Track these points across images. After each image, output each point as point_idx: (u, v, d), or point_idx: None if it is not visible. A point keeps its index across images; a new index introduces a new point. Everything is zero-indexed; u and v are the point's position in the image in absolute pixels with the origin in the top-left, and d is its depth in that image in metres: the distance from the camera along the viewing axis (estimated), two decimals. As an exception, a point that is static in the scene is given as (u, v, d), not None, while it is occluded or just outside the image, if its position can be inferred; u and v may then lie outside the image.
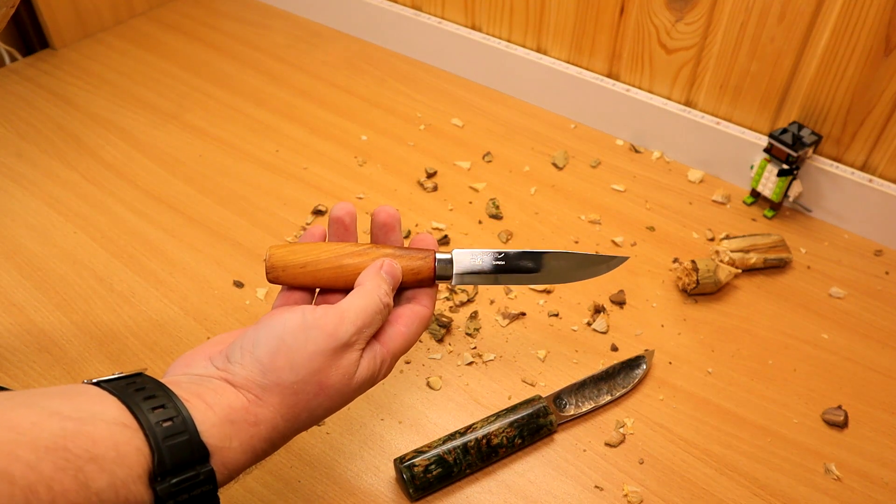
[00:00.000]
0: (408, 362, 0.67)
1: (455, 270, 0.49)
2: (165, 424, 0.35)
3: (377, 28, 1.10)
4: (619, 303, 0.73)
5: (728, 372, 0.67)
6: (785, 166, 0.79)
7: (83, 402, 0.34)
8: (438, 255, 0.49)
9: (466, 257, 0.50)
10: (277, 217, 0.81)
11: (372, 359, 0.44)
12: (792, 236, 0.81)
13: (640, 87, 0.92)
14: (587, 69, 0.95)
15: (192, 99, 0.99)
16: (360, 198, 0.84)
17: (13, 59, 1.06)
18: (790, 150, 0.78)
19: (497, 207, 0.83)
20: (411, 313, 0.47)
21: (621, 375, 0.66)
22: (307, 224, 0.80)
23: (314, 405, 0.42)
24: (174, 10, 1.18)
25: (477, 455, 0.58)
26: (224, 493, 0.57)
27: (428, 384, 0.65)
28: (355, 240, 0.51)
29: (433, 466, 0.56)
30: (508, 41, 1.00)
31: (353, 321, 0.42)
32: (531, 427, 0.60)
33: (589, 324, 0.71)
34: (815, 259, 0.79)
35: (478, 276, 0.50)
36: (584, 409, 0.63)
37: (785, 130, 0.79)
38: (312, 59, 1.08)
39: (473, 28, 1.02)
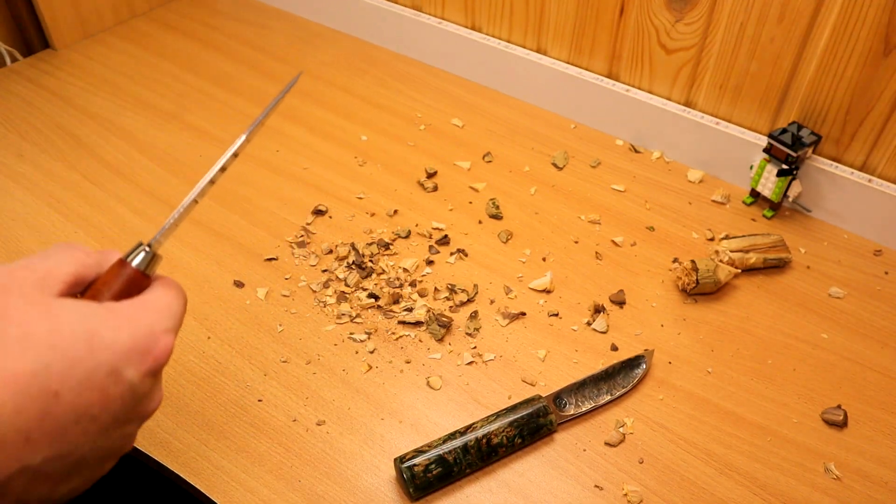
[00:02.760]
0: (408, 362, 0.67)
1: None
2: None
3: (377, 28, 1.10)
4: (619, 303, 0.73)
5: (728, 372, 0.67)
6: (784, 166, 0.79)
7: None
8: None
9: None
10: (277, 217, 0.81)
11: None
12: (791, 236, 0.81)
13: (639, 88, 0.92)
14: (587, 69, 0.95)
15: (193, 99, 0.99)
16: (360, 198, 0.85)
17: (14, 59, 1.06)
18: (790, 150, 0.78)
19: (497, 207, 0.83)
20: None
21: (621, 375, 0.66)
22: (307, 224, 0.80)
23: None
24: (174, 10, 1.18)
25: (477, 455, 0.58)
26: (223, 493, 0.57)
27: (428, 384, 0.66)
28: None
29: (433, 466, 0.57)
30: (508, 41, 1.00)
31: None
32: (531, 427, 0.60)
33: (589, 323, 0.71)
34: (815, 259, 0.79)
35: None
36: (583, 409, 0.63)
37: (784, 130, 0.79)
38: (312, 59, 1.08)
39: (473, 28, 1.03)
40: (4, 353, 0.29)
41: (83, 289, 0.37)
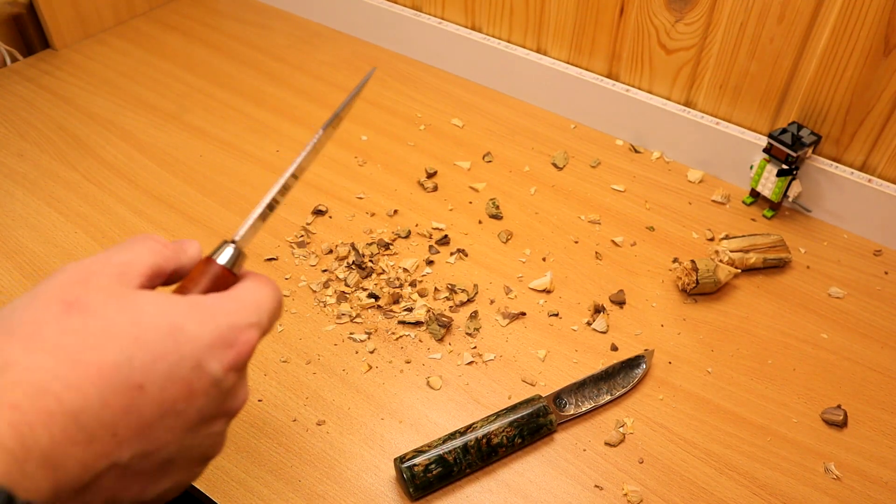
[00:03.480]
0: (408, 362, 0.67)
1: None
2: None
3: (377, 28, 1.10)
4: (619, 303, 0.73)
5: (728, 371, 0.68)
6: (784, 166, 0.79)
7: None
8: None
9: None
10: (278, 217, 0.81)
11: None
12: (791, 236, 0.81)
13: (639, 88, 0.92)
14: (587, 69, 0.95)
15: (193, 99, 0.99)
16: (361, 197, 0.85)
17: (14, 59, 1.06)
18: (789, 150, 0.78)
19: (497, 207, 0.83)
20: None
21: (621, 375, 0.66)
22: (307, 224, 0.80)
23: None
24: (174, 10, 1.18)
25: (477, 454, 0.58)
26: (224, 493, 0.57)
27: (428, 384, 0.66)
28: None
29: (433, 466, 0.57)
30: (508, 41, 1.00)
31: None
32: (531, 426, 0.60)
33: (589, 323, 0.71)
34: (815, 259, 0.79)
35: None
36: (583, 409, 0.63)
37: (784, 130, 0.79)
38: (312, 59, 1.08)
39: (473, 28, 1.03)
40: (88, 345, 0.29)
41: (162, 281, 0.37)
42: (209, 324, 0.32)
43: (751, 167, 0.84)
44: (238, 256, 0.39)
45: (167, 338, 0.31)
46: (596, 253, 0.79)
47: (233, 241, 0.39)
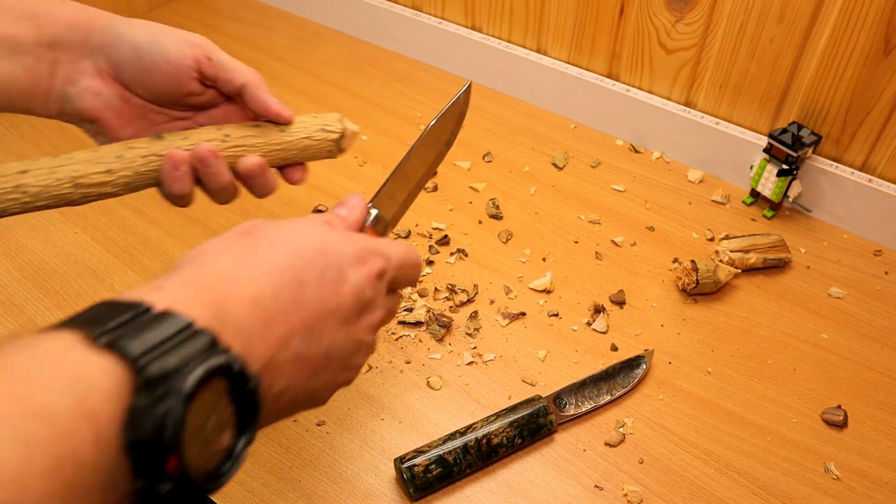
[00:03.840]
0: (408, 362, 0.67)
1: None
2: None
3: (377, 28, 1.10)
4: (619, 303, 0.73)
5: (728, 372, 0.67)
6: (784, 166, 0.79)
7: None
8: None
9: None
10: (278, 217, 0.81)
11: None
12: (791, 236, 0.81)
13: (639, 88, 0.92)
14: (587, 69, 0.95)
15: (193, 99, 0.99)
16: (361, 198, 0.85)
17: (13, 59, 1.06)
18: (790, 150, 0.78)
19: (497, 207, 0.83)
20: None
21: (621, 375, 0.66)
22: (307, 224, 0.80)
23: None
24: (174, 10, 1.18)
25: (477, 455, 0.58)
26: (224, 494, 0.57)
27: (428, 384, 0.66)
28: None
29: (433, 466, 0.57)
30: (508, 41, 1.00)
31: None
32: (531, 427, 0.60)
33: (589, 324, 0.71)
34: (815, 259, 0.79)
35: None
36: (583, 409, 0.63)
37: (784, 130, 0.79)
38: (312, 59, 1.08)
39: (473, 28, 1.03)
40: (260, 254, 0.35)
41: None
42: (349, 244, 0.39)
43: (751, 167, 0.84)
44: (379, 220, 0.48)
45: (318, 250, 0.37)
46: (596, 253, 0.79)
47: (371, 203, 0.48)
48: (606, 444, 0.61)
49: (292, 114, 0.50)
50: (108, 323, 0.27)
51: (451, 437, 0.59)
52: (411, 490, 0.56)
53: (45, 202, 0.45)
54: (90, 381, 0.25)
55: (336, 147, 0.52)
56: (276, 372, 0.34)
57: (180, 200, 0.49)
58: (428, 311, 0.71)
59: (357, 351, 0.40)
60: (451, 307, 0.72)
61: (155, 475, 0.26)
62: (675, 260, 0.78)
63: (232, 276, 0.34)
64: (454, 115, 0.53)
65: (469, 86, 0.54)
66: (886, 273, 0.78)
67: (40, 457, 0.23)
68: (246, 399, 0.30)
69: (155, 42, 0.46)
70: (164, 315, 0.28)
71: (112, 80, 0.47)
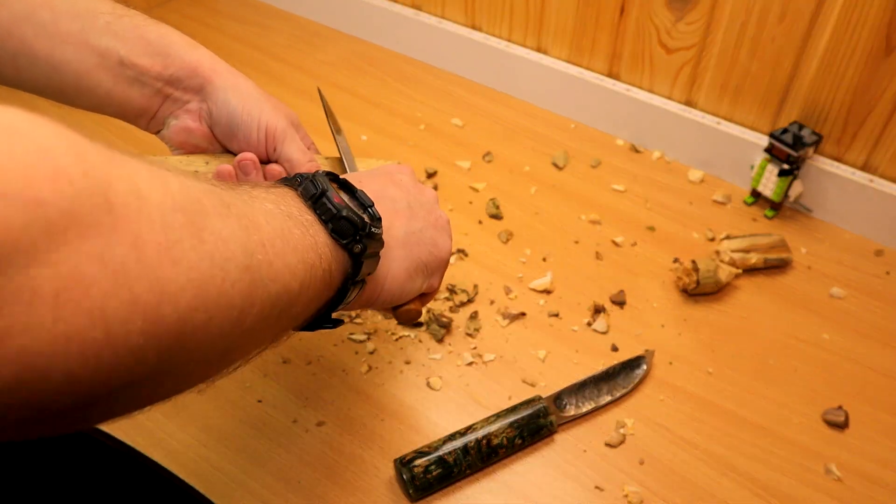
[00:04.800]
0: (408, 362, 0.67)
1: None
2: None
3: (377, 28, 1.10)
4: (620, 303, 0.73)
5: (728, 372, 0.67)
6: (785, 166, 0.79)
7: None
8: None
9: None
10: (277, 217, 0.81)
11: None
12: (792, 236, 0.81)
13: (640, 87, 0.92)
14: (587, 69, 0.95)
15: (192, 99, 0.99)
16: (360, 198, 0.84)
17: (13, 59, 1.06)
18: (791, 150, 0.78)
19: (497, 207, 0.83)
20: None
21: (622, 376, 0.66)
22: (307, 224, 0.80)
23: None
24: (174, 10, 1.18)
25: (477, 455, 0.58)
26: (224, 494, 0.57)
27: (428, 384, 0.65)
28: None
29: (433, 467, 0.56)
30: (508, 41, 1.00)
31: None
32: (531, 427, 0.60)
33: (589, 324, 0.71)
34: (816, 259, 0.79)
35: None
36: (584, 410, 0.63)
37: (785, 130, 0.79)
38: (312, 59, 1.08)
39: (473, 28, 1.02)
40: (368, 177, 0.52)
41: None
42: (378, 167, 0.57)
43: (752, 167, 0.84)
44: None
45: (378, 169, 0.55)
46: (596, 253, 0.79)
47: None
48: (607, 444, 0.61)
49: None
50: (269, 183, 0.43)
51: (451, 437, 0.58)
52: (411, 491, 0.56)
53: None
54: (280, 188, 0.42)
55: None
56: (380, 210, 0.46)
57: None
58: (428, 311, 0.71)
59: (433, 208, 0.53)
60: (451, 307, 0.72)
61: (333, 209, 0.41)
62: (676, 260, 0.78)
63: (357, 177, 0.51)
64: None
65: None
66: (888, 273, 0.78)
67: (299, 234, 0.39)
68: (362, 198, 0.45)
69: (245, 123, 0.54)
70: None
71: (206, 127, 0.56)
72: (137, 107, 0.54)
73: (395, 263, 0.49)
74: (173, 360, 0.29)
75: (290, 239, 0.38)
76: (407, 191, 0.52)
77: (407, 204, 0.51)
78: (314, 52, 1.10)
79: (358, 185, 0.47)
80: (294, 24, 1.16)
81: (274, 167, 0.56)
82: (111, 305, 0.26)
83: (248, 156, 0.54)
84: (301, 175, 0.43)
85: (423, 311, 0.71)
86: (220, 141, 0.56)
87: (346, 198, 0.44)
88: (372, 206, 0.45)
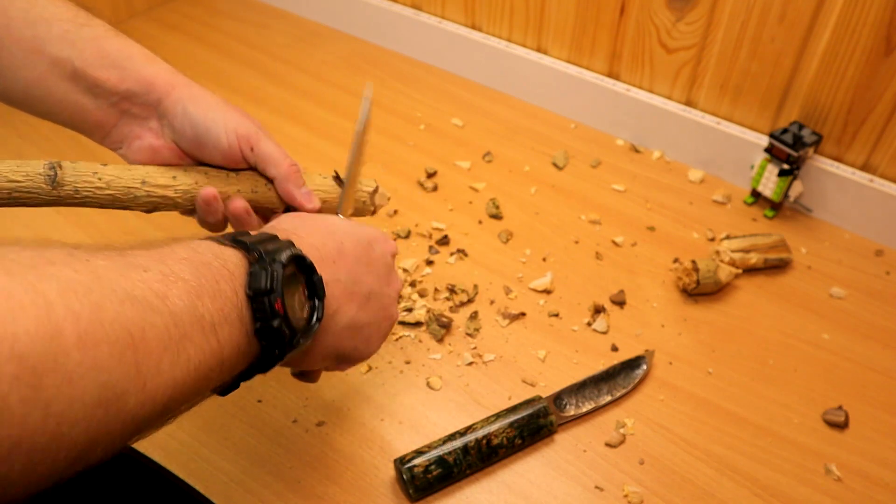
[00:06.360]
0: (408, 362, 0.67)
1: None
2: None
3: (377, 28, 1.10)
4: (620, 303, 0.73)
5: (729, 372, 0.67)
6: (785, 166, 0.79)
7: None
8: None
9: None
10: (277, 217, 0.81)
11: None
12: (792, 236, 0.81)
13: (640, 87, 0.92)
14: (587, 69, 0.95)
15: (192, 99, 0.99)
16: (360, 198, 0.84)
17: (13, 58, 1.06)
18: (791, 150, 0.78)
19: (497, 207, 0.83)
20: None
21: (622, 376, 0.66)
22: (307, 224, 0.80)
23: None
24: (174, 9, 1.18)
25: (477, 455, 0.58)
26: (224, 494, 0.57)
27: (428, 384, 0.65)
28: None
29: (433, 467, 0.56)
30: (508, 41, 1.00)
31: None
32: (531, 427, 0.60)
33: (589, 324, 0.71)
34: (816, 259, 0.79)
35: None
36: (584, 410, 0.63)
37: (785, 130, 0.79)
38: (312, 59, 1.08)
39: (473, 28, 1.02)
40: (312, 221, 0.49)
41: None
42: (364, 230, 0.52)
43: (752, 167, 0.84)
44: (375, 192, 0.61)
45: (348, 229, 0.50)
46: (596, 253, 0.79)
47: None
48: (607, 444, 0.61)
49: (318, 204, 0.56)
50: (226, 237, 0.42)
51: (451, 437, 0.58)
52: (411, 491, 0.56)
53: (115, 191, 0.51)
54: (226, 255, 0.40)
55: (370, 202, 0.61)
56: (330, 291, 0.45)
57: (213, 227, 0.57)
58: (428, 311, 0.71)
59: (390, 304, 0.51)
60: (451, 307, 0.72)
61: (268, 314, 0.39)
62: (676, 260, 0.78)
63: (293, 230, 0.47)
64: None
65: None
66: (887, 273, 0.78)
67: (208, 284, 0.37)
68: (315, 288, 0.43)
69: (210, 129, 0.52)
70: (261, 233, 0.43)
71: (170, 142, 0.54)
72: (92, 119, 0.53)
73: (316, 348, 0.47)
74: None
75: (184, 351, 0.34)
76: (377, 277, 0.50)
77: (367, 294, 0.49)
78: (314, 52, 1.10)
79: (335, 256, 0.47)
80: (294, 23, 1.16)
81: (237, 202, 0.54)
82: None
83: (210, 192, 0.52)
84: (262, 253, 0.40)
85: (423, 312, 0.71)
86: (191, 155, 0.54)
87: (294, 297, 0.41)
88: (318, 311, 0.43)
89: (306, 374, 0.53)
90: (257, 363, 0.41)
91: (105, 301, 0.31)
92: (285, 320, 0.39)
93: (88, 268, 0.32)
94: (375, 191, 0.61)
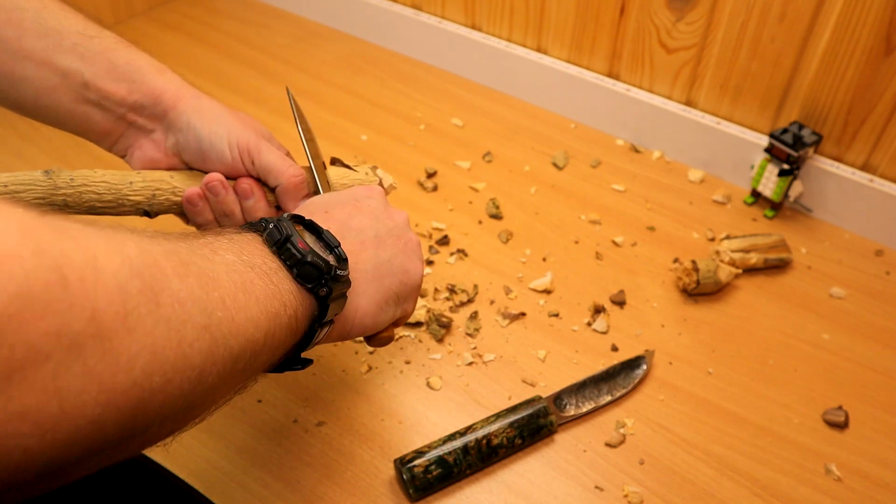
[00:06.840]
0: (408, 362, 0.67)
1: None
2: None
3: (377, 28, 1.10)
4: (620, 303, 0.73)
5: (728, 372, 0.67)
6: (785, 166, 0.79)
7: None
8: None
9: None
10: (277, 217, 0.81)
11: None
12: (792, 236, 0.81)
13: (640, 87, 0.92)
14: (587, 69, 0.95)
15: (192, 99, 0.99)
16: (360, 198, 0.84)
17: (13, 58, 1.06)
18: (791, 150, 0.78)
19: (497, 207, 0.83)
20: None
21: (622, 376, 0.66)
22: (307, 224, 0.80)
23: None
24: (174, 9, 1.18)
25: (477, 455, 0.58)
26: (224, 494, 0.57)
27: (428, 384, 0.65)
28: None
29: (433, 467, 0.56)
30: (508, 41, 1.00)
31: None
32: (531, 427, 0.60)
33: (589, 324, 0.71)
34: (816, 259, 0.79)
35: None
36: (584, 410, 0.63)
37: (785, 130, 0.79)
38: (312, 59, 1.08)
39: (473, 28, 1.02)
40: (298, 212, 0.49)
41: None
42: (346, 191, 0.55)
43: (752, 167, 0.84)
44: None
45: (335, 196, 0.54)
46: (596, 253, 0.79)
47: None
48: (607, 444, 0.61)
49: None
50: (237, 226, 0.45)
51: (451, 437, 0.58)
52: (411, 491, 0.56)
53: (110, 180, 0.52)
54: (243, 232, 0.43)
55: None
56: (347, 244, 0.47)
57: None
58: (428, 311, 0.71)
59: (404, 232, 0.53)
60: (451, 307, 0.72)
61: (297, 255, 0.42)
62: (676, 260, 0.78)
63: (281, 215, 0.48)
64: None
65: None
66: (887, 273, 0.78)
67: (242, 248, 0.40)
68: (328, 241, 0.45)
69: (214, 144, 0.53)
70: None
71: (172, 154, 0.55)
72: (99, 129, 0.54)
73: (366, 298, 0.49)
74: (132, 424, 0.30)
75: (253, 291, 0.38)
76: (375, 218, 0.52)
77: (375, 234, 0.51)
78: (314, 52, 1.10)
79: (324, 218, 0.48)
80: (294, 23, 1.16)
81: (243, 182, 0.55)
82: (65, 379, 0.26)
83: (216, 177, 0.53)
84: (266, 220, 0.44)
85: (423, 312, 0.71)
86: (196, 167, 0.55)
87: (311, 241, 0.44)
88: (338, 246, 0.45)
89: (380, 339, 0.53)
90: (318, 312, 0.43)
91: (178, 249, 0.35)
92: (314, 254, 0.42)
93: (152, 236, 0.35)
94: (381, 182, 0.62)
